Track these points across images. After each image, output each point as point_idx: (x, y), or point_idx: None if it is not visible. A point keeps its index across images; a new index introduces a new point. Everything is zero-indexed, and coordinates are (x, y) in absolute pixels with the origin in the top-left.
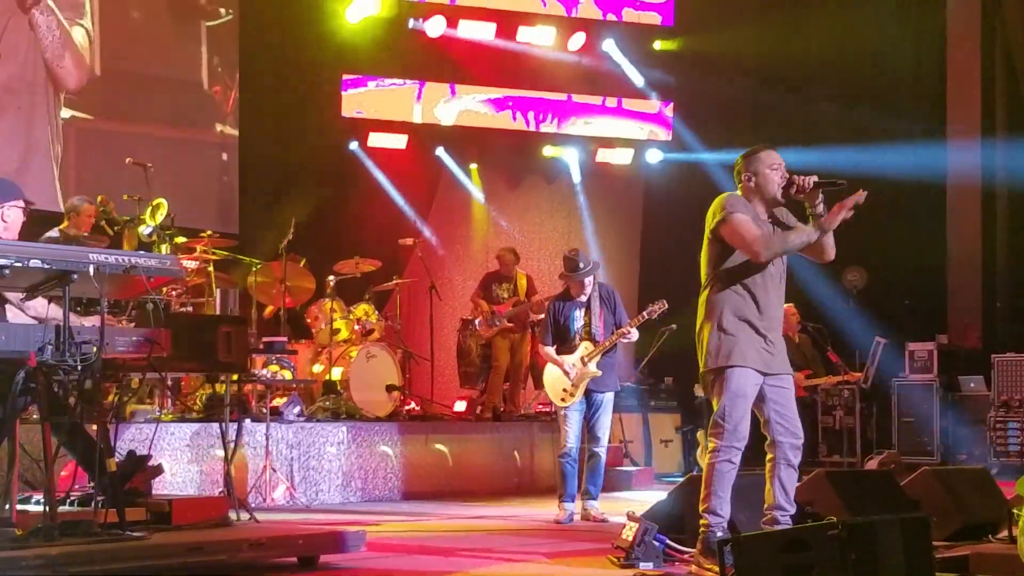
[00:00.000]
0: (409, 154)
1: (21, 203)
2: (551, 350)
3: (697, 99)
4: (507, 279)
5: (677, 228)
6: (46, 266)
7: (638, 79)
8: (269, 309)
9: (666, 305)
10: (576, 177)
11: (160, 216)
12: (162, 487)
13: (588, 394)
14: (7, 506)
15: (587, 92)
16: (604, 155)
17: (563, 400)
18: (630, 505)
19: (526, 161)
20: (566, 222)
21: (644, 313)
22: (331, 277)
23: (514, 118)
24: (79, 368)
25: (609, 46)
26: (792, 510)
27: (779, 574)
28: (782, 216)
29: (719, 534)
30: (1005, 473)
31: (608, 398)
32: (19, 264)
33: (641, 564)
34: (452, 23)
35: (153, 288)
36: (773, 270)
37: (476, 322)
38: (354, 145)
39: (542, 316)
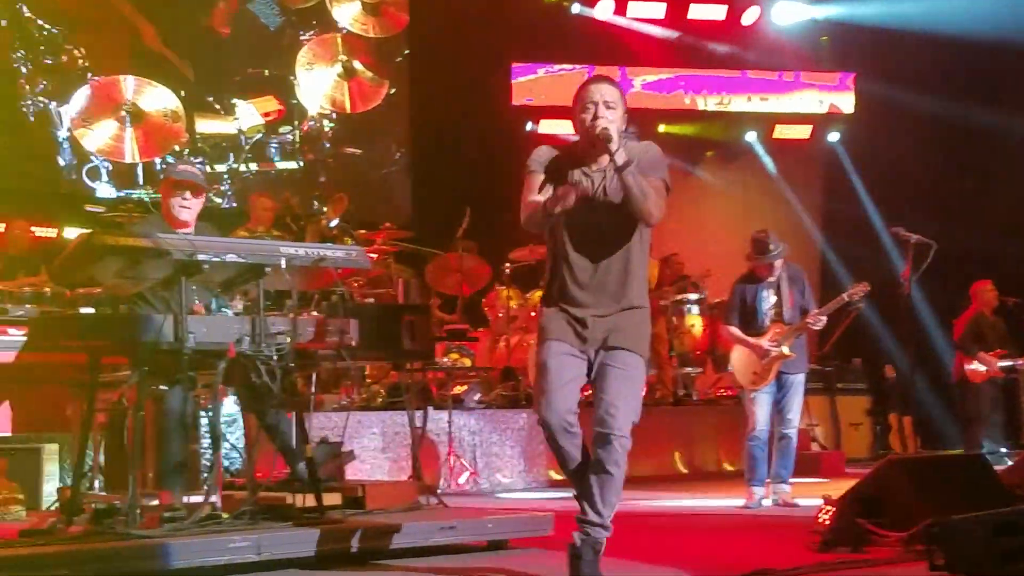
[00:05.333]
0: None
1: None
2: (738, 331)
3: (880, 63)
4: None
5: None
6: (241, 260)
7: (816, 50)
8: (436, 300)
9: (868, 287)
10: (756, 156)
11: (341, 210)
12: (352, 473)
13: (778, 376)
14: (214, 493)
15: (762, 68)
16: (781, 131)
17: (754, 383)
18: (819, 490)
19: (701, 142)
20: (743, 202)
21: (844, 295)
22: (507, 264)
23: (686, 99)
24: (275, 358)
25: (781, 18)
26: (598, 521)
27: (995, 561)
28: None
29: None
30: None
31: (799, 379)
32: (217, 259)
33: (839, 548)
34: (621, 5)
35: (339, 279)
36: (589, 228)
37: None
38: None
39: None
